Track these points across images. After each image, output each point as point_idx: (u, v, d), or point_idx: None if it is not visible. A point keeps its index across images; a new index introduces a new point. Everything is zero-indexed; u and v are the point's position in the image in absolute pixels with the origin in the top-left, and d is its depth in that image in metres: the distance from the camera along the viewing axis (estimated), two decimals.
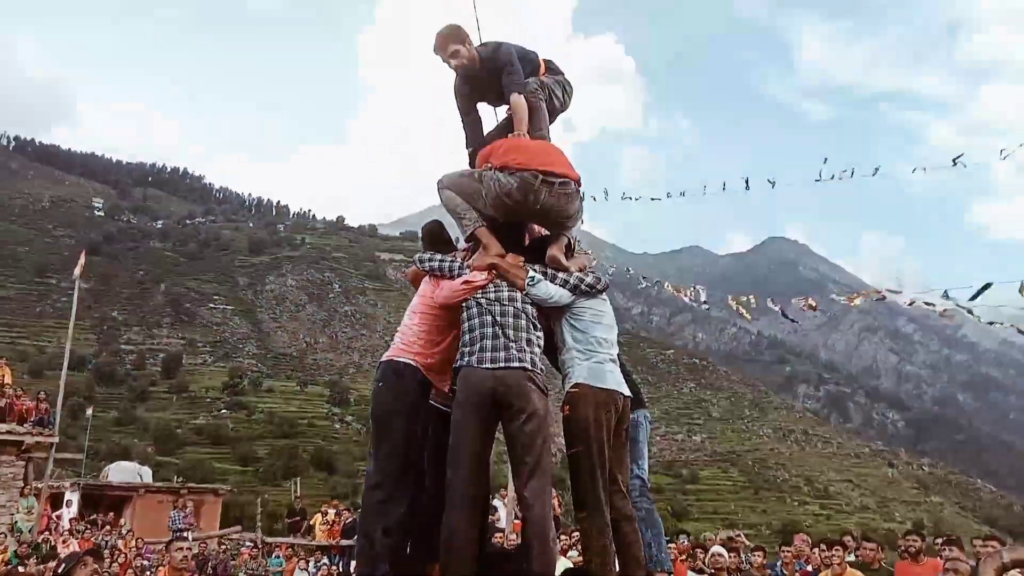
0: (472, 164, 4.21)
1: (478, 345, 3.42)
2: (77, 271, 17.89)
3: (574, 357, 3.55)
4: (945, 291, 7.92)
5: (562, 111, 4.53)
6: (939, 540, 8.12)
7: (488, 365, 3.35)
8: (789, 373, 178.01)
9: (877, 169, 8.71)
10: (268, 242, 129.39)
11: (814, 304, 10.10)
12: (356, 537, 3.77)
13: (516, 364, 3.36)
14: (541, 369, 3.46)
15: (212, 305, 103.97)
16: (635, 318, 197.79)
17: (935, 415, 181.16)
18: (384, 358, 3.75)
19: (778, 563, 9.24)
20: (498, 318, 3.47)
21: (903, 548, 7.56)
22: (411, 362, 3.64)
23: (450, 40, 4.19)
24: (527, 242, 4.12)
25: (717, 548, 8.50)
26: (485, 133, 4.51)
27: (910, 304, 9.50)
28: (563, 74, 4.57)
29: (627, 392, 3.60)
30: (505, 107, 4.31)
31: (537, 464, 3.28)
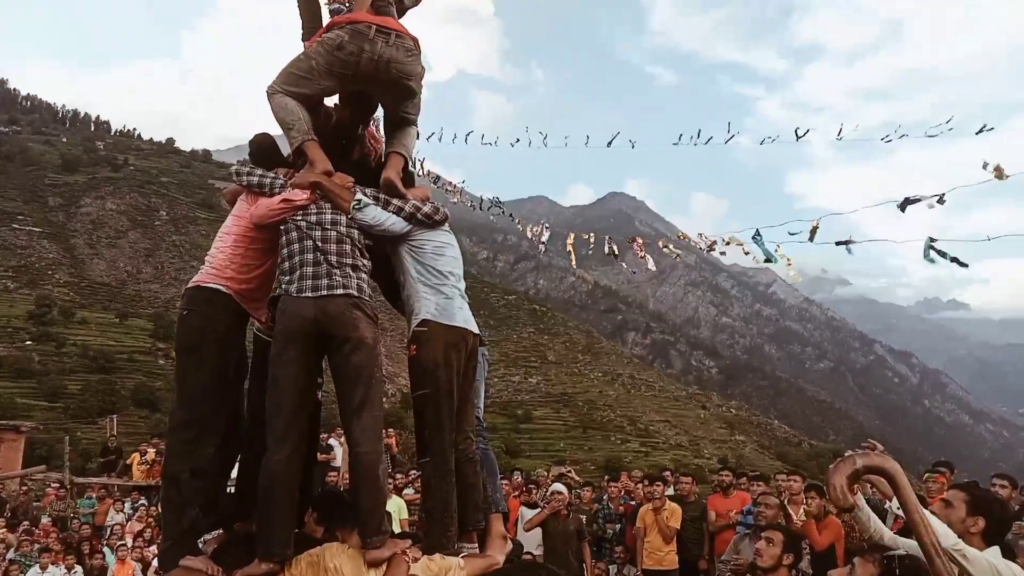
0: None
1: (298, 272, 3.15)
2: None
3: (419, 292, 3.34)
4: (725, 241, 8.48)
5: (413, 5, 4.12)
6: (747, 476, 8.85)
7: (309, 293, 3.10)
8: (620, 321, 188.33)
9: (732, 136, 9.13)
10: (84, 160, 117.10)
11: (640, 251, 10.50)
12: (160, 481, 3.44)
13: (340, 291, 3.12)
14: (369, 296, 3.24)
15: (16, 226, 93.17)
16: (480, 263, 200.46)
17: (744, 363, 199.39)
18: (191, 283, 3.39)
19: (604, 497, 9.77)
20: (319, 243, 3.20)
21: (716, 483, 8.20)
22: (222, 288, 3.32)
23: None
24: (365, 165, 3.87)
25: (558, 486, 8.82)
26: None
27: (710, 249, 10.13)
28: None
29: (476, 330, 3.43)
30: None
31: (366, 398, 3.07)
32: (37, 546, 12.00)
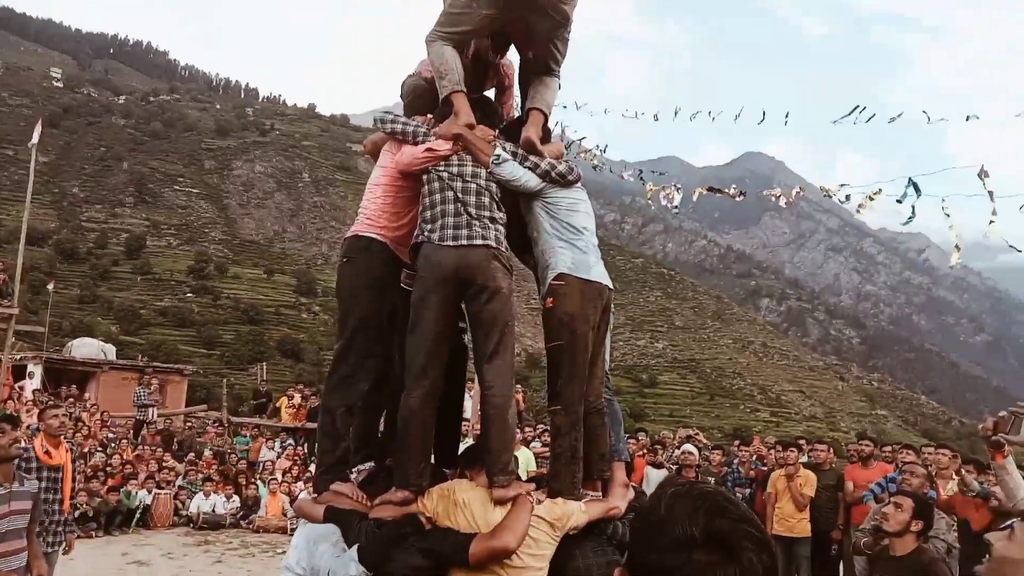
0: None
1: (439, 222, 3.24)
2: (35, 138, 17.05)
3: (555, 246, 3.37)
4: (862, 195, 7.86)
5: None
6: (892, 447, 8.40)
7: (450, 242, 3.18)
8: (754, 287, 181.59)
9: (899, 115, 8.42)
10: (236, 125, 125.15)
11: (734, 193, 9.96)
12: (319, 413, 3.68)
13: (479, 241, 3.19)
14: (506, 247, 3.30)
15: (177, 187, 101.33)
16: (608, 225, 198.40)
17: (889, 333, 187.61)
18: (349, 233, 3.55)
19: (735, 461, 9.56)
20: (460, 194, 3.27)
21: (854, 452, 7.82)
22: (377, 236, 3.45)
23: None
24: (503, 120, 3.89)
25: (688, 446, 8.75)
26: None
27: (858, 207, 9.43)
28: None
29: (611, 284, 3.45)
30: None
31: (500, 343, 3.16)
32: (201, 476, 13.26)
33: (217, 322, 70.29)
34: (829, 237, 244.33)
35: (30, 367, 25.47)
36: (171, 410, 23.10)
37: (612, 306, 3.56)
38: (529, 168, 3.44)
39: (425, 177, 3.37)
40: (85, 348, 29.87)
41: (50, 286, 31.62)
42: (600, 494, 3.43)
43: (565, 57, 3.82)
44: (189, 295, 76.26)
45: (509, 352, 3.20)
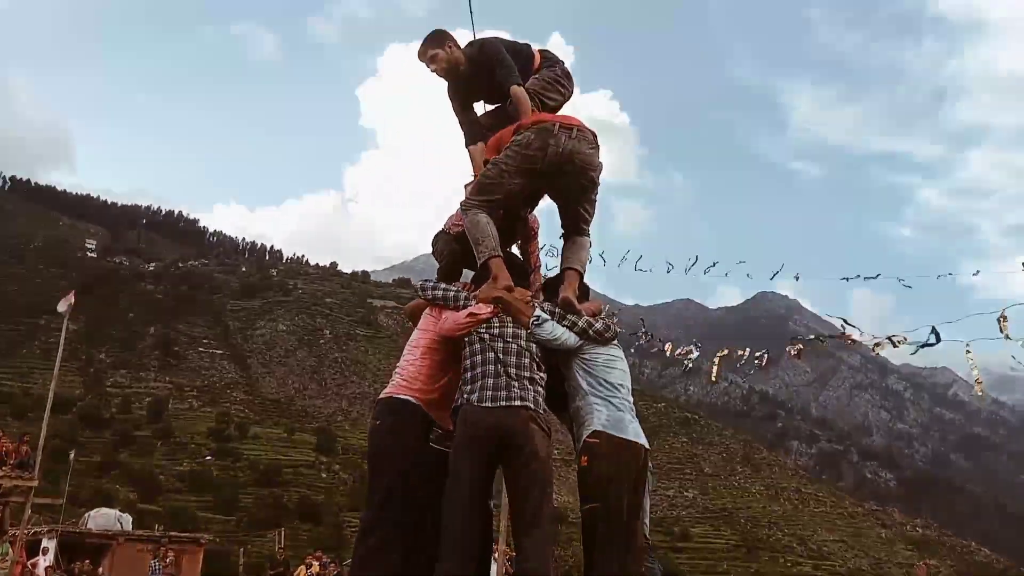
0: (473, 161, 4.20)
1: (479, 383, 3.29)
2: (62, 306, 17.68)
3: (591, 403, 3.39)
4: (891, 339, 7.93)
5: (565, 103, 4.48)
6: None
7: (488, 403, 3.22)
8: (781, 429, 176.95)
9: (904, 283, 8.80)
10: (260, 286, 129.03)
11: (760, 355, 10.07)
12: None
13: (518, 403, 3.22)
14: (544, 409, 3.33)
15: (201, 349, 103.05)
16: None
17: (927, 474, 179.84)
18: (382, 395, 3.60)
19: None
20: (500, 355, 3.35)
21: None
22: (411, 399, 3.49)
23: (429, 46, 4.16)
24: (540, 282, 4.09)
25: None
26: (478, 117, 4.45)
27: (876, 345, 9.48)
28: (560, 63, 4.52)
29: (647, 444, 3.43)
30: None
31: (538, 512, 3.12)
32: None
33: (236, 485, 68.97)
34: (852, 375, 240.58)
35: (44, 542, 24.93)
36: None
37: (650, 465, 3.54)
38: (567, 327, 3.52)
39: (467, 339, 3.46)
40: (101, 519, 29.37)
41: (71, 455, 31.54)
42: None
43: (593, 216, 4.06)
44: (208, 457, 75.43)
45: (547, 521, 3.17)
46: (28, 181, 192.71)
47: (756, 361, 11.08)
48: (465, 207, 3.84)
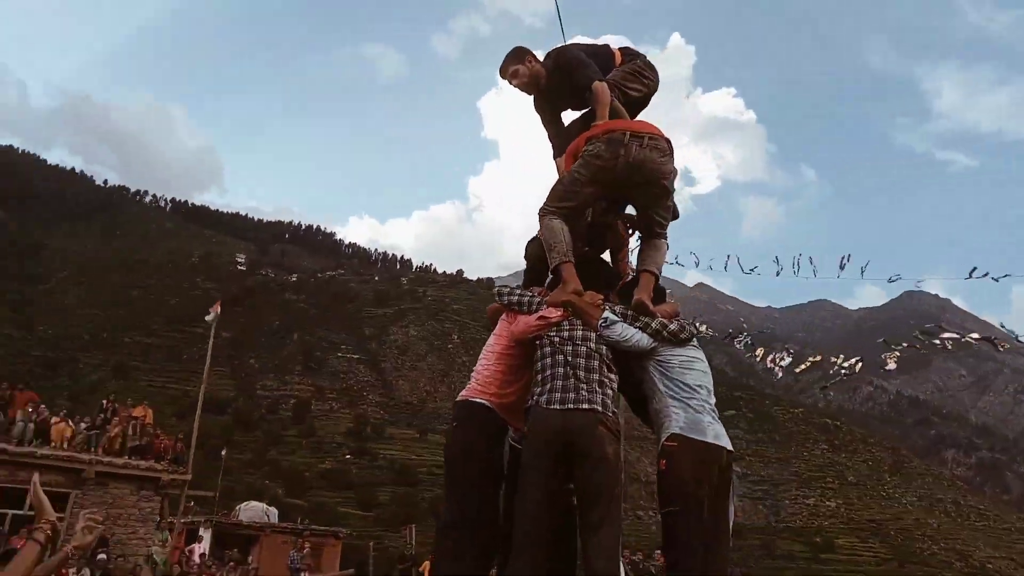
0: (558, 172, 4.23)
1: (548, 385, 3.31)
2: (210, 316, 19.23)
3: (668, 405, 3.36)
4: None
5: (650, 94, 4.47)
6: None
7: (557, 406, 3.23)
8: (934, 437, 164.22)
9: None
10: (392, 295, 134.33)
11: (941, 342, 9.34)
12: None
13: (586, 406, 3.22)
14: (613, 412, 3.32)
15: (340, 354, 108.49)
16: (759, 373, 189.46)
17: None
18: (459, 398, 3.71)
19: None
20: (569, 358, 3.37)
21: None
22: (485, 402, 3.58)
23: (510, 63, 4.25)
24: (618, 285, 4.09)
25: None
26: (569, 124, 4.49)
27: None
28: (642, 56, 4.51)
29: (729, 446, 3.34)
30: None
31: (606, 515, 3.10)
32: None
33: (374, 483, 72.13)
34: (1017, 378, 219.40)
35: (201, 531, 27.15)
36: (322, 574, 23.57)
37: (734, 470, 3.45)
38: (639, 328, 3.51)
39: (538, 343, 3.53)
40: (251, 511, 31.52)
41: (223, 452, 34.01)
42: None
43: (672, 218, 4.04)
44: (348, 456, 79.30)
45: (615, 523, 3.15)
46: (185, 202, 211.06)
47: (896, 357, 10.34)
48: (541, 213, 3.90)
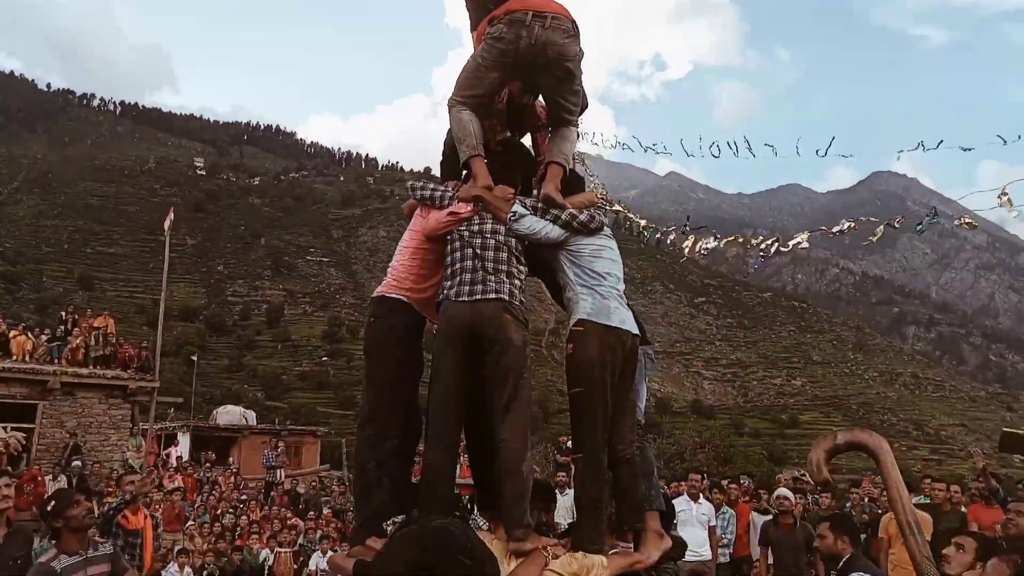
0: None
1: (458, 278, 3.34)
2: (166, 224, 18.83)
3: (577, 292, 3.43)
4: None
5: None
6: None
7: (466, 298, 3.27)
8: (897, 315, 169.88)
9: None
10: (358, 195, 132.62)
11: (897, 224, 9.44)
12: (352, 470, 3.82)
13: (492, 295, 3.26)
14: (520, 301, 3.35)
15: (309, 257, 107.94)
16: (730, 261, 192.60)
17: None
18: (375, 294, 3.72)
19: (847, 505, 8.93)
20: (478, 250, 3.38)
21: (976, 491, 7.14)
22: (402, 298, 3.60)
23: None
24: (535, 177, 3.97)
25: (783, 491, 8.28)
26: None
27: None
28: None
29: (635, 330, 3.43)
30: None
31: (514, 395, 3.16)
32: (319, 533, 13.73)
33: (352, 383, 73.43)
34: (977, 254, 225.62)
35: (178, 436, 27.60)
36: (298, 470, 24.24)
37: (644, 350, 3.58)
38: (550, 220, 3.50)
39: (448, 238, 3.51)
40: (228, 415, 32.09)
41: (194, 358, 34.18)
42: (632, 546, 3.35)
43: (580, 107, 3.88)
44: (325, 359, 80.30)
45: (523, 405, 3.21)
46: (136, 104, 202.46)
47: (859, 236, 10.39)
48: (449, 105, 3.75)
